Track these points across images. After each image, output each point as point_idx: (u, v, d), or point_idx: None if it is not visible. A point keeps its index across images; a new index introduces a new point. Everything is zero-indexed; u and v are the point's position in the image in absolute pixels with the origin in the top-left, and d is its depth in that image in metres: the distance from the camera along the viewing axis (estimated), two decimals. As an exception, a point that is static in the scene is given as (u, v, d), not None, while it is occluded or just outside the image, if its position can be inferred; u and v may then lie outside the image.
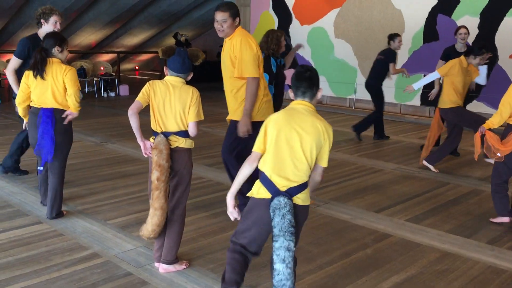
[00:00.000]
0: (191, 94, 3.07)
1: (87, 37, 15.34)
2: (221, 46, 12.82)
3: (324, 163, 2.64)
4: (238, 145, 4.05)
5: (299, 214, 2.56)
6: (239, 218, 2.69)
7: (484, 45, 5.82)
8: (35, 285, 3.05)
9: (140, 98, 3.06)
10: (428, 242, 3.85)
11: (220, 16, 3.83)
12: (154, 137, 3.11)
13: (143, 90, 3.08)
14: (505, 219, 4.26)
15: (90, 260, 3.40)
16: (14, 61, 4.79)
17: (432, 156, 5.92)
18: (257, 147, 2.61)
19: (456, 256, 3.61)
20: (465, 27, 6.63)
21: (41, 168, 4.11)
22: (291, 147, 2.53)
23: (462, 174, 5.83)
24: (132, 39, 16.90)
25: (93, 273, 3.21)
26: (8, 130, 7.70)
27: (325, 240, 3.85)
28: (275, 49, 5.24)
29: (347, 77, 10.73)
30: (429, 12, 9.36)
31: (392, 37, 7.43)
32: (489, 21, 8.57)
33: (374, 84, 7.57)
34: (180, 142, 3.09)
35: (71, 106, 4.05)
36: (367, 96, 10.58)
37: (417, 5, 9.51)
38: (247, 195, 2.68)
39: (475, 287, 3.16)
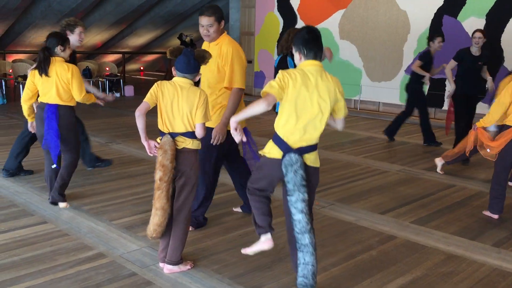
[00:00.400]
0: (198, 96, 3.06)
1: (92, 38, 15.38)
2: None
3: (343, 114, 2.85)
4: (211, 156, 3.90)
5: (309, 174, 2.73)
6: (244, 139, 2.84)
7: None
8: (40, 285, 3.06)
9: (148, 99, 3.08)
10: (433, 244, 3.83)
11: (205, 21, 3.70)
12: (161, 138, 3.12)
13: (151, 91, 3.09)
14: (495, 216, 4.42)
15: (95, 260, 3.40)
16: None
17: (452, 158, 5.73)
18: (277, 94, 2.65)
19: (462, 258, 3.60)
20: (480, 30, 6.40)
21: (55, 165, 4.34)
22: (307, 111, 2.69)
23: (467, 176, 5.81)
24: (138, 40, 16.94)
25: (98, 273, 3.22)
26: (12, 130, 7.72)
27: (330, 241, 3.84)
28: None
29: (352, 79, 10.71)
30: (435, 13, 9.33)
31: (432, 37, 7.09)
32: (495, 23, 8.53)
33: (410, 86, 7.35)
34: (187, 143, 3.11)
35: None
36: (372, 97, 10.61)
37: (422, 6, 9.48)
38: (259, 152, 2.87)
39: (480, 289, 3.15)
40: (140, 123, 3.06)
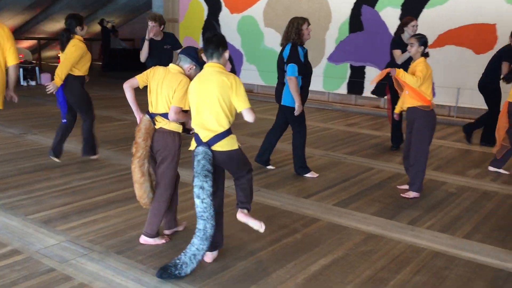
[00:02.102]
0: (179, 81, 3.22)
1: (4, 22, 14.31)
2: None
3: (244, 105, 3.02)
4: None
5: (220, 158, 3.06)
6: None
7: None
8: None
9: (139, 76, 3.38)
10: (354, 225, 3.99)
11: None
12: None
13: (145, 71, 3.39)
14: (417, 195, 4.67)
15: (9, 257, 3.21)
16: None
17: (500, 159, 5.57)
18: (185, 106, 3.21)
19: (380, 237, 3.77)
20: (416, 19, 6.37)
21: (65, 120, 5.29)
22: (207, 104, 3.01)
23: (385, 159, 6.09)
24: (54, 25, 16.05)
25: (13, 271, 3.04)
26: None
27: (256, 227, 3.88)
28: (296, 39, 4.94)
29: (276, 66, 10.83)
30: (354, 3, 9.64)
31: None
32: (410, 13, 8.95)
33: (486, 84, 6.68)
34: (164, 124, 3.31)
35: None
36: (296, 85, 10.76)
37: (343, -4, 9.76)
38: (189, 149, 3.15)
39: (396, 266, 3.32)
40: (127, 95, 3.41)
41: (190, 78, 3.27)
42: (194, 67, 3.30)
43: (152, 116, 3.30)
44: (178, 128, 3.34)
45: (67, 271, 3.07)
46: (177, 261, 3.00)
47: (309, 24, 5.05)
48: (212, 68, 3.05)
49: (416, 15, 8.89)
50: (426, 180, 5.15)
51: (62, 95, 5.14)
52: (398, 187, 4.95)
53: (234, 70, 11.41)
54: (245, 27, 11.17)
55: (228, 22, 11.41)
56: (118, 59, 15.40)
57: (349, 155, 6.22)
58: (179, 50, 5.79)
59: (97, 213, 4.03)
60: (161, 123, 3.30)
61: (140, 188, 3.33)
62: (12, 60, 4.44)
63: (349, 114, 9.35)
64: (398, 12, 9.11)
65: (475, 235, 3.84)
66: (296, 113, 5.01)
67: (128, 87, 3.40)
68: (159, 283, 2.97)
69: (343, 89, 10.06)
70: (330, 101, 10.25)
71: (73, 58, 5.01)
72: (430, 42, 6.76)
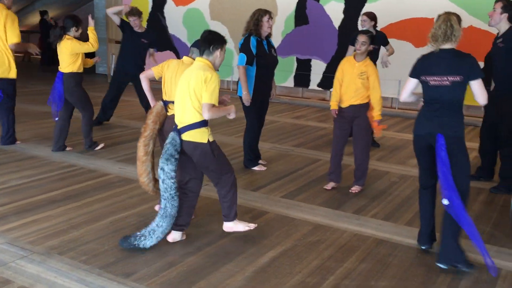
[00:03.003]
0: None
1: None
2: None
3: (206, 99, 3.18)
4: None
5: (188, 148, 3.28)
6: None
7: None
8: None
9: (155, 69, 3.72)
10: (302, 216, 4.04)
11: None
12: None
13: (160, 64, 3.70)
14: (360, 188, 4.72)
15: None
16: None
17: None
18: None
19: (327, 227, 3.84)
20: (365, 14, 6.39)
21: (56, 119, 5.54)
22: (184, 96, 3.23)
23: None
24: (-12, 17, 15.22)
25: None
26: None
27: (205, 221, 3.86)
28: (253, 30, 4.98)
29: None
30: (300, -3, 9.72)
31: None
32: (353, 7, 9.15)
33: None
34: None
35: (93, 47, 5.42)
36: (243, 78, 10.75)
37: (288, -10, 9.82)
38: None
39: (343, 254, 3.39)
40: (143, 85, 3.83)
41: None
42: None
43: (166, 104, 3.58)
44: None
45: (6, 274, 2.93)
46: (138, 233, 3.29)
47: (271, 17, 5.10)
48: (198, 63, 3.28)
49: (359, 9, 9.09)
50: (370, 170, 5.28)
51: (60, 92, 5.39)
52: (325, 187, 4.77)
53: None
54: (190, 20, 11.03)
55: (173, 14, 11.22)
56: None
57: (296, 147, 6.29)
58: (151, 50, 6.87)
59: (37, 213, 3.87)
60: (173, 110, 3.48)
61: (141, 166, 3.56)
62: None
63: (296, 107, 9.45)
64: (341, 6, 9.28)
65: (416, 222, 3.98)
66: (245, 102, 5.03)
67: (144, 78, 3.79)
68: (104, 283, 2.89)
69: (290, 82, 10.15)
70: (277, 94, 10.30)
71: (79, 45, 5.32)
72: (372, 35, 6.93)
